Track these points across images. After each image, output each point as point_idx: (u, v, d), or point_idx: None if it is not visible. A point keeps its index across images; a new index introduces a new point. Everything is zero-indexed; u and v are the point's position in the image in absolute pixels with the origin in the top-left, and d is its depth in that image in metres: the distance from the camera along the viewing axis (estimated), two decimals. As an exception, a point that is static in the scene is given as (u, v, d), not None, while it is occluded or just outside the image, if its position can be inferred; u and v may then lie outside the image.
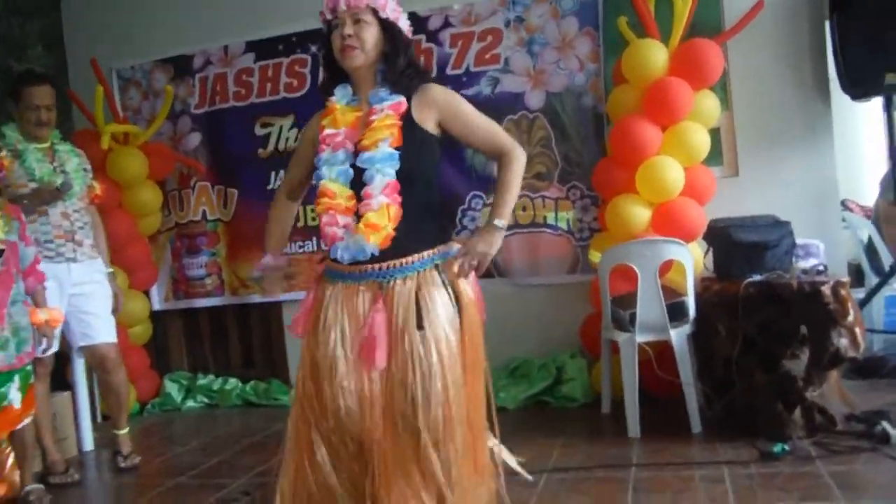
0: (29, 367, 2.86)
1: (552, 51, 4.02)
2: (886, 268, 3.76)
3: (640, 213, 3.55)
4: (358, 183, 1.90)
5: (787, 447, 2.70)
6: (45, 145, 3.28)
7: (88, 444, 3.77)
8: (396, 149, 1.89)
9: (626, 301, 3.21)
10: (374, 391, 1.85)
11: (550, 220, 4.07)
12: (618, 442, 3.08)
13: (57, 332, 3.02)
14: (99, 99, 4.12)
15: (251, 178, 4.45)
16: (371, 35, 1.91)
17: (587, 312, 3.83)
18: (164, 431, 4.12)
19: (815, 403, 2.83)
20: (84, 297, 3.29)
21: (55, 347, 3.08)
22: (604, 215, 3.78)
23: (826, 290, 2.76)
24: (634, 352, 3.11)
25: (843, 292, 2.79)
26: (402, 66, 1.95)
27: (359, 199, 1.89)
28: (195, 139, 4.59)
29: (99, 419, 4.12)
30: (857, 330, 2.78)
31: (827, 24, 3.63)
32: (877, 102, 3.73)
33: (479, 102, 4.01)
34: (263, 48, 4.45)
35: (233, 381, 4.60)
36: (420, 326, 1.84)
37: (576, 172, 4.02)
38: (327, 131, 1.96)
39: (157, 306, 4.70)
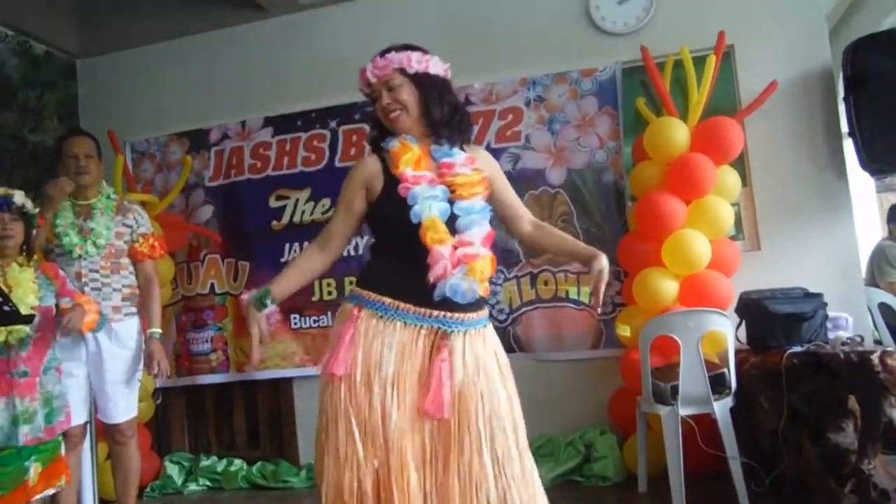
0: (59, 438, 2.69)
1: (572, 129, 4.10)
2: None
3: (668, 286, 3.55)
4: (451, 227, 1.93)
5: (847, 523, 2.62)
6: (87, 202, 3.16)
7: (90, 529, 3.52)
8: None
9: (666, 373, 3.16)
10: (433, 443, 1.87)
11: (573, 295, 4.04)
12: (664, 521, 2.97)
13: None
14: (118, 169, 4.08)
15: (264, 251, 4.38)
16: (408, 94, 2.00)
17: (614, 387, 3.78)
18: (168, 517, 3.89)
19: (871, 477, 2.76)
20: (102, 367, 3.07)
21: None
22: (628, 289, 3.77)
23: (875, 359, 2.74)
24: (678, 425, 3.04)
25: (890, 362, 2.77)
26: (445, 114, 2.02)
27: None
28: (207, 212, 4.53)
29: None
30: (907, 400, 2.75)
31: (841, 105, 3.77)
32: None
33: (501, 177, 4.11)
34: (282, 123, 4.48)
35: (238, 463, 4.38)
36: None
37: (597, 247, 3.99)
38: (410, 171, 1.96)
39: (159, 383, 4.50)
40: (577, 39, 4.15)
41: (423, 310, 1.89)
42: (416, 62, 2.00)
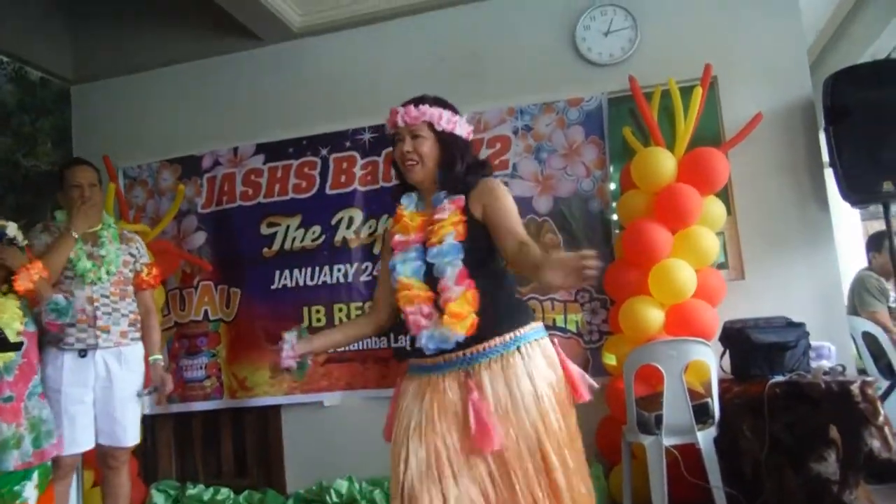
0: (49, 463, 2.71)
1: (559, 158, 4.15)
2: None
3: (654, 315, 3.58)
4: (431, 278, 1.99)
5: (828, 553, 2.64)
6: (92, 229, 3.24)
7: (74, 559, 3.51)
8: (462, 241, 1.98)
9: (650, 402, 3.18)
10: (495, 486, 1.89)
11: (560, 323, 4.07)
12: (648, 550, 2.98)
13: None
14: (110, 196, 4.11)
15: (255, 278, 4.40)
16: (428, 148, 2.07)
17: (600, 416, 3.79)
18: (154, 545, 3.87)
19: (851, 507, 2.79)
20: (111, 390, 3.14)
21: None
22: (614, 317, 3.80)
23: (855, 389, 2.78)
24: (662, 455, 3.06)
25: (870, 392, 2.81)
26: (460, 172, 2.07)
27: (435, 292, 1.98)
28: (200, 238, 4.56)
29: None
30: (887, 430, 2.78)
31: (822, 135, 3.83)
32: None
33: (489, 205, 4.16)
34: (273, 150, 4.52)
35: (225, 492, 4.35)
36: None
37: (585, 275, 4.05)
38: (397, 237, 2.08)
39: (147, 410, 4.49)
40: (563, 70, 4.22)
41: (438, 358, 1.97)
42: (445, 121, 2.07)
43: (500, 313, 1.98)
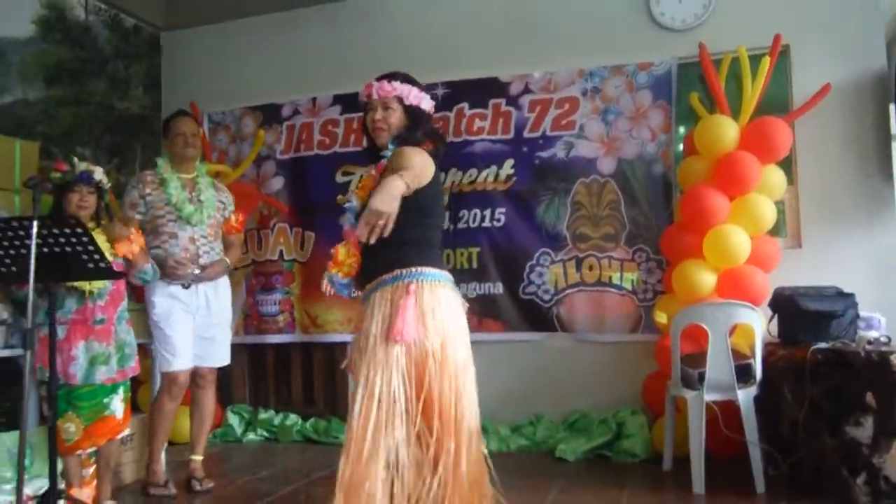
0: (128, 382, 3.08)
1: (625, 120, 4.25)
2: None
3: (706, 278, 3.70)
4: None
5: (855, 511, 2.79)
6: (189, 176, 3.60)
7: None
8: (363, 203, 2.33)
9: (695, 360, 3.34)
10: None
11: (616, 280, 4.23)
12: (683, 498, 3.18)
13: (148, 268, 3.27)
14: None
15: (329, 223, 4.63)
16: (396, 118, 2.38)
17: (649, 370, 3.97)
18: (229, 461, 4.26)
19: (881, 470, 2.92)
20: (209, 318, 3.57)
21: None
22: (668, 278, 3.94)
23: (894, 359, 2.87)
24: (702, 409, 3.23)
25: (910, 363, 2.90)
26: (417, 139, 2.38)
27: None
28: (278, 183, 4.86)
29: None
30: (924, 401, 2.87)
31: (892, 108, 3.82)
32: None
33: (554, 165, 4.32)
34: (349, 101, 4.73)
35: (293, 418, 4.75)
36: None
37: (643, 236, 4.20)
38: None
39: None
40: (635, 33, 4.29)
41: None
42: (413, 97, 2.38)
43: (386, 258, 2.26)
